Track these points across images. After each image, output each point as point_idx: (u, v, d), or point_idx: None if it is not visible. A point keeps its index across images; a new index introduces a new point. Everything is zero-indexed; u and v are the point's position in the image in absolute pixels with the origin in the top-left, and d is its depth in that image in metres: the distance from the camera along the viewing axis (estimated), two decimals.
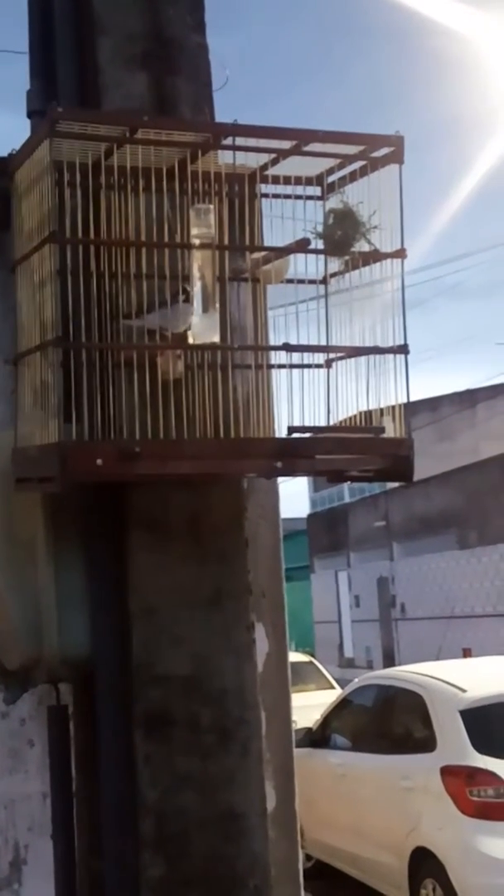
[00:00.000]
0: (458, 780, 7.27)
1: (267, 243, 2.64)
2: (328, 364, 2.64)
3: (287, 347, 2.53)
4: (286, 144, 2.52)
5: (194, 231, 2.41)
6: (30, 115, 2.93)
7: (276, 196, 2.65)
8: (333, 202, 2.61)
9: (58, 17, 2.86)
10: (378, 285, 2.62)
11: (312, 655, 18.55)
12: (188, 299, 2.41)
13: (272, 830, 2.81)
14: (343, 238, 2.54)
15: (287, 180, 2.62)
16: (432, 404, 31.34)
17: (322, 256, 2.61)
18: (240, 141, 2.46)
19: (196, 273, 2.41)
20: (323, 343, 2.62)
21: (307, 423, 2.55)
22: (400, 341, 2.56)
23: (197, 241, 2.41)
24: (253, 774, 2.63)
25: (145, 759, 2.54)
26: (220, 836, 2.57)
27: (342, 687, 11.60)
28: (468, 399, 32.79)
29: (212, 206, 2.43)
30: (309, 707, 10.60)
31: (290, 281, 2.66)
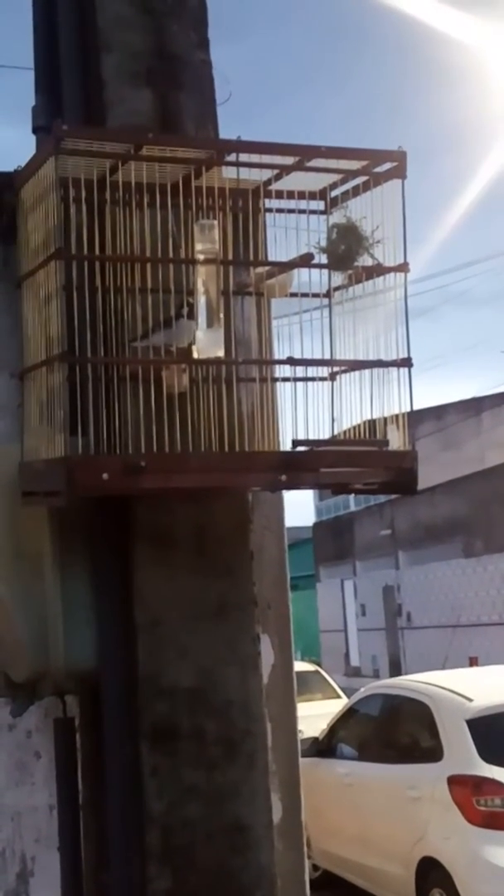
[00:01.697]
0: (465, 789, 7.26)
1: (271, 257, 2.66)
2: (332, 377, 2.65)
3: (291, 361, 2.55)
4: (289, 160, 2.54)
5: (198, 246, 2.43)
6: (35, 130, 2.95)
7: (279, 211, 2.66)
8: (337, 217, 2.63)
9: (62, 34, 2.89)
10: (381, 296, 2.63)
11: (318, 664, 18.52)
12: (192, 314, 2.43)
13: (278, 842, 2.81)
14: (346, 252, 2.56)
15: (291, 195, 2.64)
16: (438, 412, 31.32)
17: (326, 270, 2.63)
18: (243, 157, 2.48)
19: (200, 288, 2.43)
20: (327, 356, 2.64)
21: (312, 436, 2.56)
22: (403, 354, 2.58)
23: (201, 257, 2.43)
24: (259, 786, 2.64)
25: (151, 771, 2.55)
26: (227, 848, 2.57)
27: (348, 696, 11.59)
28: (474, 407, 32.76)
29: (216, 222, 2.45)
30: (315, 716, 10.58)
31: (294, 294, 2.68)
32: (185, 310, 2.44)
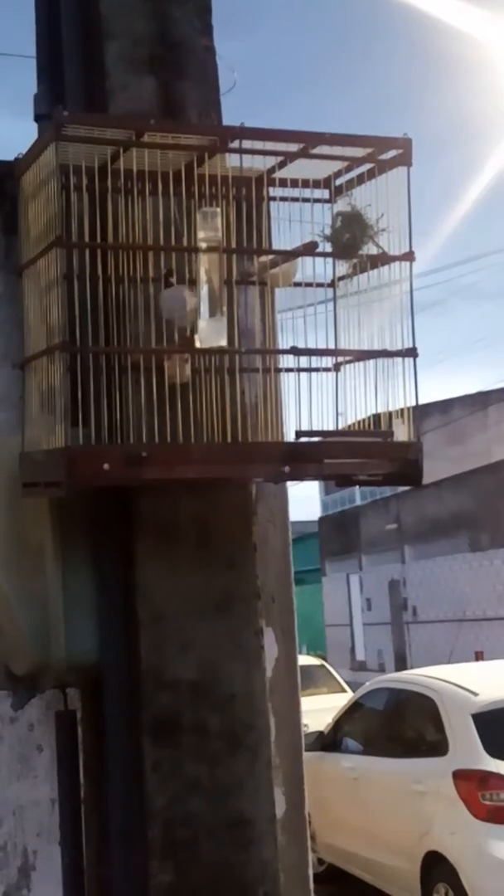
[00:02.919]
0: (471, 783, 7.24)
1: (275, 246, 2.63)
2: (337, 367, 2.62)
3: (295, 351, 2.52)
4: (293, 147, 2.51)
5: (201, 234, 2.41)
6: (37, 118, 2.92)
7: (283, 199, 2.64)
8: (341, 205, 2.60)
9: (64, 21, 2.86)
10: (387, 288, 2.60)
11: (324, 659, 18.52)
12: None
13: (282, 836, 2.79)
14: (351, 241, 2.53)
15: (295, 183, 2.61)
16: (444, 406, 31.26)
17: (330, 259, 2.60)
18: (247, 144, 2.45)
19: (203, 277, 2.40)
20: (331, 346, 2.61)
21: (316, 427, 2.53)
22: (409, 344, 2.55)
23: (204, 245, 2.40)
24: (262, 780, 2.62)
25: (153, 766, 2.53)
26: (229, 842, 2.55)
27: (354, 690, 11.58)
28: (480, 401, 32.70)
29: (219, 210, 2.42)
30: (320, 711, 10.58)
31: (298, 284, 2.65)
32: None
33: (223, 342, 2.41)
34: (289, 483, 2.98)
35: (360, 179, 2.60)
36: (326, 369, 2.61)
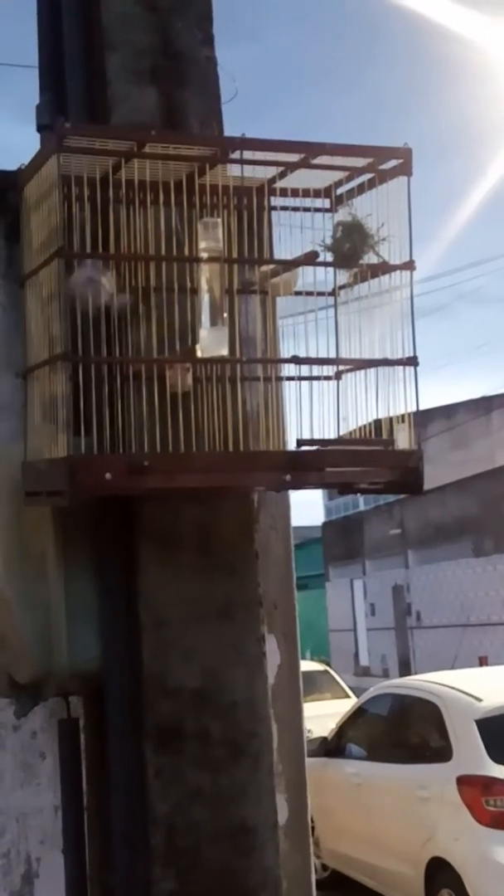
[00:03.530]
0: (474, 789, 7.24)
1: (276, 255, 2.64)
2: (338, 376, 2.63)
3: (296, 360, 2.53)
4: (294, 157, 2.52)
5: (202, 244, 2.42)
6: (39, 129, 2.94)
7: (284, 208, 2.65)
8: (342, 214, 2.61)
9: (67, 32, 2.87)
10: (388, 295, 2.62)
11: (328, 664, 18.51)
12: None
13: (284, 843, 2.80)
14: (351, 250, 2.54)
15: (296, 193, 2.62)
16: (447, 411, 31.26)
17: (331, 269, 2.61)
18: (248, 154, 2.47)
19: (204, 286, 2.41)
20: (332, 355, 2.62)
21: (318, 436, 2.54)
22: (410, 352, 2.56)
23: (205, 255, 2.41)
24: (264, 787, 2.62)
25: (156, 773, 2.54)
26: (232, 849, 2.56)
27: (357, 696, 11.58)
28: (484, 406, 32.71)
29: (219, 220, 2.43)
30: (324, 716, 10.61)
31: (299, 293, 2.66)
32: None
33: (224, 351, 2.42)
34: (289, 490, 2.99)
35: (361, 189, 2.61)
36: (327, 378, 2.62)
